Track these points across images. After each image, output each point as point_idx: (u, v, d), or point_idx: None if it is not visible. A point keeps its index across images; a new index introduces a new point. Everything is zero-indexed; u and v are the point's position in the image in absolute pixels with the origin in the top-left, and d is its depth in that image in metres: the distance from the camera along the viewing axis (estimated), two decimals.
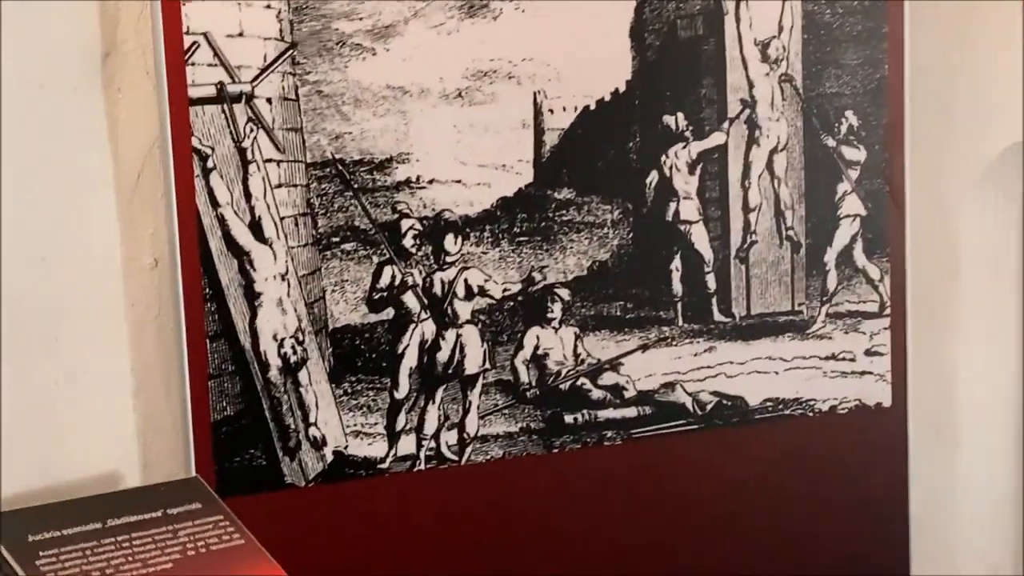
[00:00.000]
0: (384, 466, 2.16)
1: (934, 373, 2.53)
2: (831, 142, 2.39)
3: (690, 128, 2.30)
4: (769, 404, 2.40)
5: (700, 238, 2.34)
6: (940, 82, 2.44)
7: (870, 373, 2.46)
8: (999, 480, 2.59)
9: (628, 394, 2.32)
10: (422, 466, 2.19)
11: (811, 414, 2.43)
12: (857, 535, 2.46)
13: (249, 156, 2.03)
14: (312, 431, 2.12)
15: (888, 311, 2.46)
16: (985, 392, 2.56)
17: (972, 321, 2.53)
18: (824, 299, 2.43)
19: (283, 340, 2.08)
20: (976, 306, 2.53)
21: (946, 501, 2.57)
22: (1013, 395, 2.57)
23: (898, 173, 2.42)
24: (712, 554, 2.38)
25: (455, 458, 2.21)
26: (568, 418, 2.29)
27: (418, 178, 2.13)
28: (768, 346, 2.40)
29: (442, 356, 2.19)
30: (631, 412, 2.32)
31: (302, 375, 2.10)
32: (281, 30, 2.02)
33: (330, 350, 2.12)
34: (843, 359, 2.44)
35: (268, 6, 2.00)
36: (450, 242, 2.17)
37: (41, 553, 1.70)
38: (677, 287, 2.33)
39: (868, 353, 2.45)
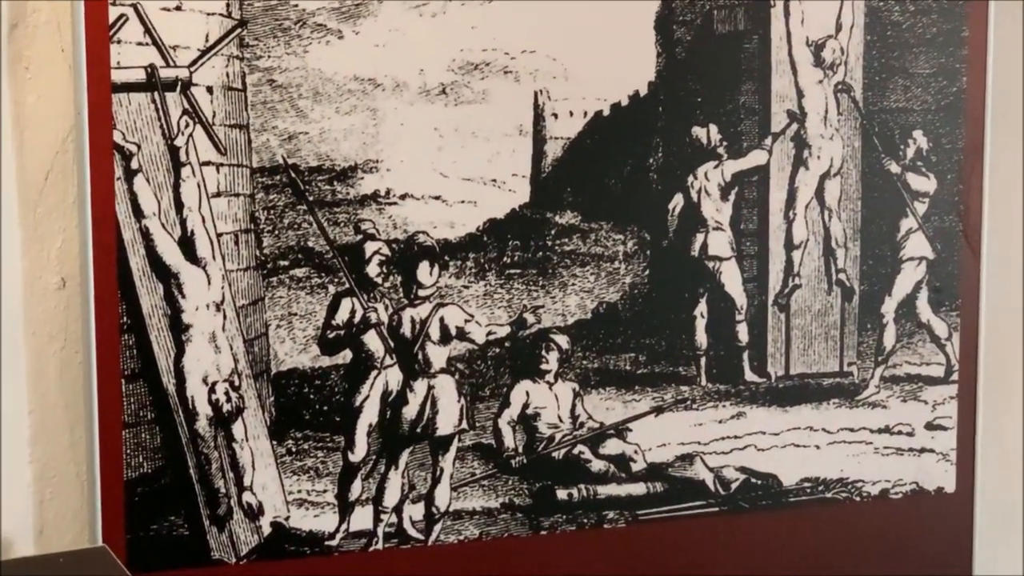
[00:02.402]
0: (333, 543, 2.16)
1: (1009, 454, 2.52)
2: (895, 168, 2.42)
3: (724, 143, 2.33)
4: (807, 485, 2.42)
5: (732, 279, 2.36)
6: None
7: (931, 451, 2.49)
8: None
9: (636, 467, 2.33)
10: (380, 545, 2.19)
11: (858, 498, 2.44)
12: None
13: (182, 157, 2.01)
14: (246, 497, 2.10)
15: (956, 377, 2.48)
16: None
17: None
18: (879, 359, 2.45)
19: (215, 384, 2.07)
20: None
21: None
22: None
23: (975, 209, 2.44)
24: None
25: (420, 537, 2.21)
26: (561, 493, 2.30)
27: (388, 192, 2.14)
28: (809, 414, 2.42)
29: (409, 412, 2.20)
30: (639, 489, 2.33)
31: (236, 428, 2.09)
32: (228, 4, 2.02)
33: (272, 399, 2.12)
34: (899, 433, 2.47)
35: None
36: (424, 272, 2.17)
37: None
38: (701, 338, 2.36)
39: (930, 427, 2.48)
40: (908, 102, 2.43)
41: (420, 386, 2.21)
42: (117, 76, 1.95)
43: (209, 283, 2.05)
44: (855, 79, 2.40)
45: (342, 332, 2.16)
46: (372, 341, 2.18)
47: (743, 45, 2.34)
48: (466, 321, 2.24)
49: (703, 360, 2.38)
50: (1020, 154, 2.47)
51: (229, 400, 2.08)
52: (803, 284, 2.42)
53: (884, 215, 2.44)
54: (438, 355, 2.22)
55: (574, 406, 2.32)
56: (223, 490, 2.09)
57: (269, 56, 2.06)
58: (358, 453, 2.18)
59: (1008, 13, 2.40)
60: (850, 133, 2.42)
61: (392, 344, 2.18)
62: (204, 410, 2.07)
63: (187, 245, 2.03)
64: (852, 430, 2.45)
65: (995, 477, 2.49)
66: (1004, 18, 2.39)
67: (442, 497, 2.24)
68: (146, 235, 2.00)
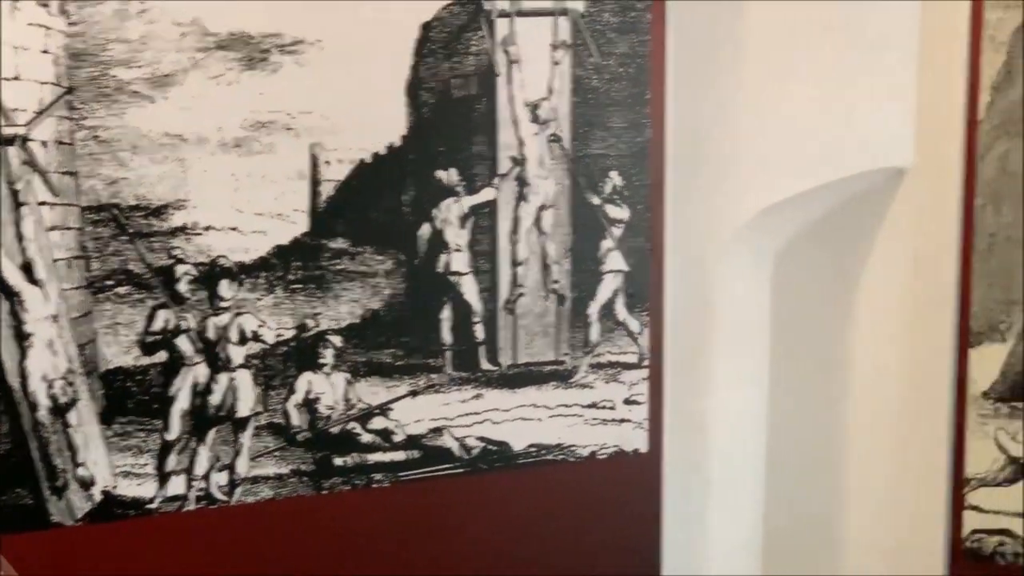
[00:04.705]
0: (153, 506, 2.26)
1: (688, 421, 2.72)
2: (596, 200, 2.58)
3: (462, 183, 2.46)
4: (533, 449, 2.57)
5: (470, 290, 2.49)
6: (699, 147, 2.65)
7: (629, 421, 2.66)
8: (746, 518, 2.79)
9: (397, 438, 2.46)
10: (191, 506, 2.29)
11: (572, 459, 2.59)
12: (615, 569, 2.64)
13: (22, 198, 2.11)
14: (80, 471, 2.20)
15: (647, 362, 2.65)
16: (735, 439, 2.76)
17: (724, 372, 2.72)
18: (587, 350, 2.61)
19: (53, 381, 2.16)
20: (728, 359, 2.73)
21: (697, 537, 2.75)
22: (759, 441, 2.79)
23: (658, 232, 2.61)
24: None
25: (225, 498, 2.32)
26: (338, 461, 2.42)
27: (194, 224, 2.23)
28: (533, 394, 2.57)
29: (214, 399, 2.30)
30: (400, 456, 2.46)
31: (72, 416, 2.19)
32: (58, 75, 2.11)
33: (101, 391, 2.20)
34: (604, 407, 2.62)
35: (45, 51, 2.10)
36: (225, 288, 2.27)
37: None
38: (447, 336, 2.49)
39: (627, 402, 2.65)
40: (606, 149, 2.54)
41: (223, 378, 2.31)
42: None
43: (47, 300, 2.14)
44: (564, 131, 2.52)
45: (159, 337, 2.24)
46: (183, 344, 2.27)
47: (475, 106, 2.44)
48: (259, 326, 2.31)
49: (448, 354, 2.48)
50: (692, 190, 2.65)
51: (65, 394, 2.17)
52: (526, 293, 2.54)
53: (588, 238, 2.57)
54: (237, 353, 2.31)
55: (347, 391, 2.40)
56: (61, 466, 2.19)
57: (94, 116, 2.15)
58: (173, 433, 2.27)
59: (681, 81, 2.59)
60: (561, 174, 2.53)
61: (200, 346, 2.27)
62: (44, 402, 2.16)
63: (28, 269, 2.12)
64: (567, 406, 2.58)
65: (677, 439, 2.69)
66: (678, 84, 2.58)
67: (242, 466, 2.33)
68: None
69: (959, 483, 2.62)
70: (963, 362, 2.58)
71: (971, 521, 2.63)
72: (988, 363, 2.58)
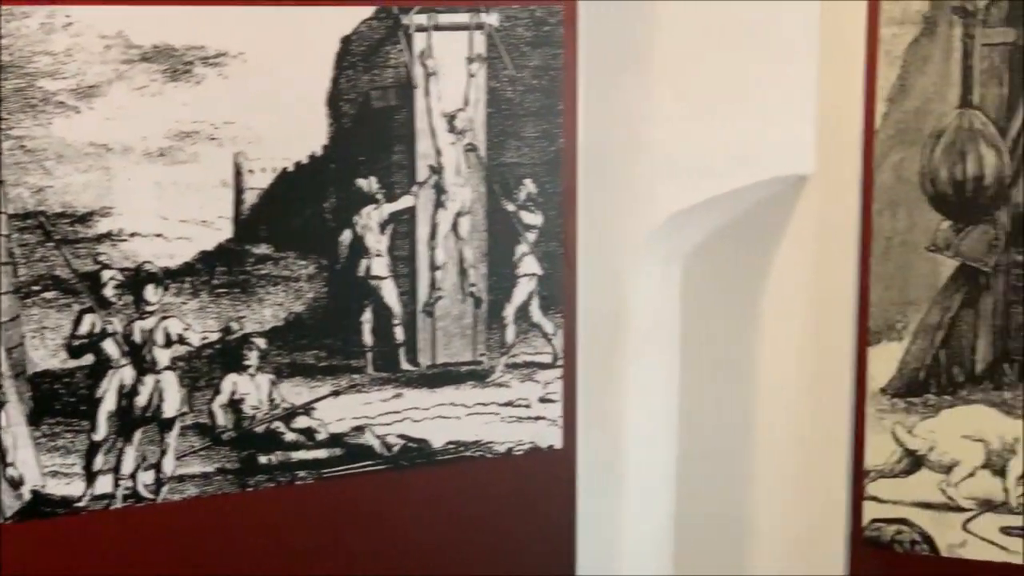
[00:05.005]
0: (81, 504, 2.30)
1: (601, 418, 2.81)
2: (511, 207, 2.61)
3: (382, 191, 2.48)
4: (452, 446, 2.60)
5: (390, 293, 2.52)
6: (610, 155, 2.74)
7: (543, 418, 2.70)
8: (658, 513, 2.90)
9: (320, 436, 2.48)
10: (119, 504, 2.34)
11: (490, 455, 2.65)
12: (532, 562, 2.72)
13: None
14: (10, 471, 2.23)
15: (560, 362, 2.69)
16: (646, 436, 2.86)
17: (636, 372, 2.82)
18: (503, 351, 2.64)
19: None
20: (640, 358, 2.83)
21: (610, 531, 2.84)
22: (671, 438, 2.90)
23: (571, 237, 2.68)
24: None
25: (151, 496, 2.36)
26: (262, 459, 2.44)
27: (120, 231, 2.26)
28: (451, 393, 2.59)
29: (140, 400, 2.33)
30: (323, 453, 2.48)
31: (0, 417, 2.22)
32: None
33: (29, 393, 2.24)
34: (519, 405, 2.66)
35: None
36: (150, 292, 2.30)
37: None
38: (368, 338, 2.51)
39: (542, 400, 2.69)
40: (520, 158, 2.59)
41: (149, 380, 2.32)
42: None
43: None
44: (480, 141, 2.55)
45: (85, 340, 2.25)
46: (109, 347, 2.28)
47: (394, 117, 2.46)
48: (184, 329, 2.33)
49: (369, 355, 2.50)
50: (603, 196, 2.73)
51: None
52: (444, 296, 2.57)
53: (504, 243, 2.61)
54: (163, 356, 2.32)
55: (271, 392, 2.42)
56: None
57: (20, 127, 2.15)
58: (100, 434, 2.29)
59: (592, 92, 2.67)
60: (477, 182, 2.56)
61: (126, 349, 2.30)
62: None
63: None
64: (484, 404, 2.62)
65: (590, 436, 2.77)
66: (589, 95, 2.66)
67: (168, 465, 2.35)
68: None
69: (859, 475, 2.72)
70: (862, 360, 2.68)
71: (871, 511, 2.72)
72: (886, 361, 2.68)
